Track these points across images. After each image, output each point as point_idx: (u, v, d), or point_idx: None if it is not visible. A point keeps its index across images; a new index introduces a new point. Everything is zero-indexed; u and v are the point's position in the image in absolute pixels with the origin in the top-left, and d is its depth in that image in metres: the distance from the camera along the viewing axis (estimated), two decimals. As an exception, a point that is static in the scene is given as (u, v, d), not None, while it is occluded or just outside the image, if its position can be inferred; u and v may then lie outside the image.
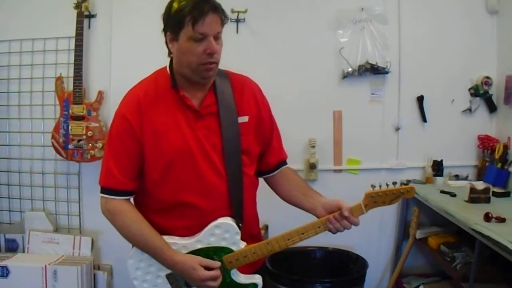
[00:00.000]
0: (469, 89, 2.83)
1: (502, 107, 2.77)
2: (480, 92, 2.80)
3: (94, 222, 2.83)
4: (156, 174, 1.42)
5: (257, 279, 1.48)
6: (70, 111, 2.64)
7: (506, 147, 2.64)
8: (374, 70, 2.77)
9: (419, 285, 2.71)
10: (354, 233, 2.78)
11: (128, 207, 1.46)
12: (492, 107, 2.82)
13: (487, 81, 2.77)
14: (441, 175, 2.78)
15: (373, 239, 2.90)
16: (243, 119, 1.47)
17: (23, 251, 2.75)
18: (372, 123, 2.84)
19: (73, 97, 2.63)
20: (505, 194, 2.47)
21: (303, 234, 1.40)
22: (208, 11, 1.32)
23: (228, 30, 2.73)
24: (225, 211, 1.43)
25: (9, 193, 2.84)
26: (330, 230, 1.43)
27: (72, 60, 2.64)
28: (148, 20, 2.74)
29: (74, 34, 2.62)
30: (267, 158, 1.58)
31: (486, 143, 2.77)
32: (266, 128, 1.55)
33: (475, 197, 2.31)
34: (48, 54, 2.74)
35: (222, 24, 1.37)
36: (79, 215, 2.82)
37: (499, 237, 1.80)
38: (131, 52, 2.76)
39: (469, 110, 2.84)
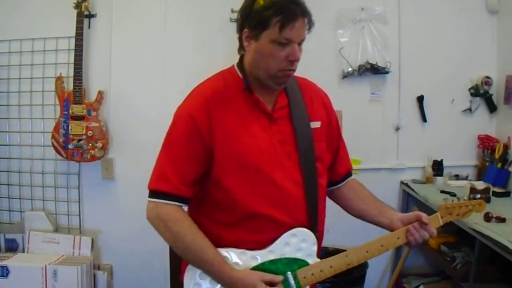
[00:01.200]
0: (469, 89, 2.83)
1: (502, 107, 2.77)
2: (480, 92, 2.80)
3: (94, 222, 2.83)
4: (228, 181, 1.28)
5: None
6: (70, 111, 2.64)
7: (506, 147, 2.64)
8: (374, 70, 2.77)
9: (419, 285, 2.71)
10: (354, 233, 2.78)
11: (183, 215, 1.31)
12: (492, 107, 2.82)
13: (487, 81, 2.77)
14: (441, 175, 2.78)
15: (373, 239, 2.89)
16: (316, 124, 1.38)
17: (23, 251, 2.75)
18: (372, 123, 2.84)
19: (73, 97, 2.63)
20: (505, 194, 2.47)
21: (382, 246, 1.34)
22: (299, 15, 1.22)
23: (228, 30, 2.76)
24: (301, 222, 1.32)
25: (9, 193, 2.84)
26: (408, 242, 1.36)
27: (72, 60, 2.63)
28: (148, 20, 2.76)
29: (74, 34, 2.62)
30: (336, 167, 1.50)
31: (486, 143, 2.77)
32: (335, 135, 1.48)
33: (475, 197, 2.30)
34: (48, 54, 2.74)
35: (309, 30, 1.28)
36: (79, 215, 2.82)
37: (499, 237, 1.80)
38: (131, 52, 2.76)
39: (469, 110, 2.84)
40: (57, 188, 2.82)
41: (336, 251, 2.84)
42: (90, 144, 2.65)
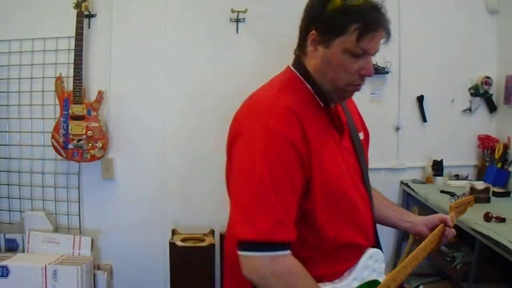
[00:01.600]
0: (469, 89, 2.83)
1: (502, 107, 2.77)
2: (480, 92, 2.80)
3: (94, 222, 2.83)
4: (318, 214, 1.10)
5: None
6: (70, 111, 2.64)
7: (506, 147, 2.64)
8: (374, 70, 2.77)
9: (419, 285, 2.71)
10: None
11: (299, 263, 1.07)
12: (492, 107, 2.82)
13: (487, 81, 2.78)
14: (441, 175, 2.78)
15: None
16: (361, 135, 1.30)
17: (23, 251, 2.74)
18: (372, 123, 2.78)
19: (73, 97, 2.63)
20: (505, 194, 2.47)
21: (424, 251, 1.32)
22: (381, 25, 1.07)
23: (228, 30, 2.76)
24: (372, 243, 1.26)
25: (9, 193, 2.83)
26: (441, 242, 1.39)
27: (72, 60, 2.63)
28: (148, 20, 2.76)
29: (74, 34, 2.61)
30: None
31: (486, 143, 2.77)
32: (368, 146, 1.40)
33: (475, 197, 2.30)
34: (48, 54, 2.74)
35: (386, 42, 1.12)
36: (79, 215, 2.82)
37: (499, 237, 1.80)
38: (131, 52, 2.76)
39: (469, 110, 2.85)
40: (57, 188, 2.81)
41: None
42: (90, 144, 2.65)
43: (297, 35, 1.18)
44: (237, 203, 1.08)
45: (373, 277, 1.25)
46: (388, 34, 1.10)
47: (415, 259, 1.26)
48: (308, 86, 1.16)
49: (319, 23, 1.09)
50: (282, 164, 1.03)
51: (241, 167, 1.08)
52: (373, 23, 1.06)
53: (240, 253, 1.04)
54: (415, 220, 1.41)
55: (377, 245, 1.27)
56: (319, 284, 1.10)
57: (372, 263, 1.24)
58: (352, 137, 1.24)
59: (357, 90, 1.15)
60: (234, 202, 1.09)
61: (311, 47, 1.13)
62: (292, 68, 1.21)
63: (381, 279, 1.24)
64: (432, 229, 1.38)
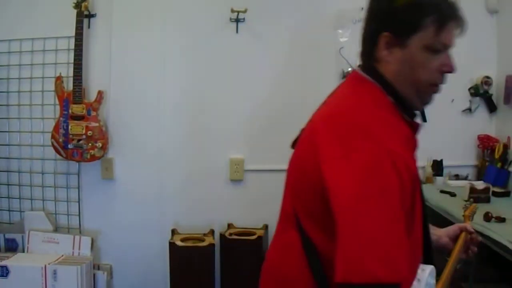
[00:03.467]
0: (469, 89, 2.83)
1: (502, 107, 2.77)
2: (480, 92, 2.80)
3: (93, 222, 2.83)
4: (417, 241, 1.01)
5: None
6: (70, 111, 2.64)
7: (506, 146, 2.64)
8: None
9: (419, 285, 2.71)
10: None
11: None
12: (492, 107, 2.82)
13: (487, 81, 2.78)
14: (441, 174, 2.78)
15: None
16: None
17: (23, 251, 2.75)
18: (372, 123, 2.84)
19: (73, 96, 2.63)
20: (505, 194, 2.47)
21: (454, 261, 1.32)
22: (457, 14, 0.99)
23: (228, 30, 2.76)
24: None
25: (9, 193, 2.84)
26: (467, 253, 1.37)
27: (71, 59, 2.63)
28: (148, 20, 2.76)
29: (73, 34, 2.62)
30: None
31: (486, 143, 2.77)
32: None
33: (475, 196, 2.30)
34: (47, 53, 2.74)
35: (459, 35, 1.04)
36: (79, 215, 2.82)
37: (499, 237, 1.80)
38: (131, 52, 2.76)
39: (469, 109, 2.85)
40: (57, 188, 2.82)
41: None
42: (90, 144, 2.65)
43: (361, 41, 1.07)
44: (366, 235, 0.85)
45: None
46: (463, 24, 1.01)
47: (450, 269, 1.25)
48: (390, 99, 1.03)
49: (390, 23, 0.99)
50: (402, 198, 0.89)
51: (365, 193, 0.87)
52: (449, 12, 0.98)
53: None
54: (440, 233, 1.35)
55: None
56: None
57: (430, 279, 1.14)
58: None
59: (438, 91, 1.07)
60: (357, 233, 0.85)
61: (385, 51, 1.01)
62: (367, 77, 1.04)
63: None
64: (454, 239, 1.34)
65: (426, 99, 1.08)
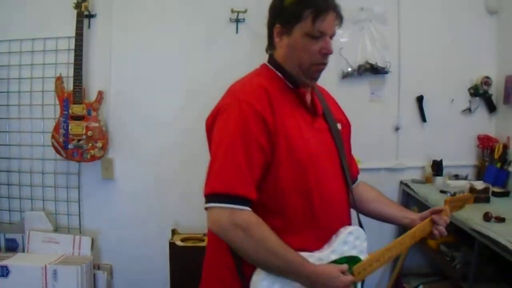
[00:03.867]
0: (469, 89, 2.83)
1: (502, 107, 2.77)
2: (480, 92, 2.80)
3: (94, 221, 2.83)
4: (285, 182, 1.21)
5: None
6: (70, 111, 2.64)
7: (505, 147, 2.64)
8: (373, 70, 2.77)
9: (418, 285, 2.71)
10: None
11: (260, 219, 1.17)
12: (491, 107, 2.82)
13: (486, 81, 2.78)
14: (441, 174, 2.78)
15: (372, 238, 2.88)
16: (339, 126, 1.41)
17: (23, 251, 2.75)
18: (372, 123, 2.85)
19: (73, 97, 2.63)
20: (505, 194, 2.47)
21: (412, 238, 1.41)
22: (331, 8, 1.25)
23: (228, 30, 2.76)
24: (347, 219, 1.35)
25: (9, 193, 2.84)
26: (433, 234, 1.45)
27: (72, 60, 2.63)
28: (148, 20, 2.77)
29: (74, 34, 2.62)
30: (350, 167, 1.50)
31: (485, 143, 2.78)
32: (349, 138, 1.53)
33: (475, 196, 2.31)
34: (48, 54, 2.74)
35: (339, 25, 1.30)
36: (79, 215, 2.82)
37: (498, 237, 1.80)
38: (131, 52, 2.76)
39: (469, 110, 2.85)
40: (57, 188, 2.82)
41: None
42: (90, 144, 2.65)
43: (266, 35, 1.35)
44: (211, 165, 1.20)
45: (353, 253, 1.31)
46: (340, 18, 1.28)
47: (401, 244, 1.37)
48: (279, 74, 1.32)
49: (280, 17, 1.27)
50: (250, 131, 1.17)
51: (218, 135, 1.22)
52: (324, 6, 1.22)
53: (205, 205, 1.16)
54: (414, 216, 1.48)
55: (359, 224, 1.38)
56: (301, 252, 1.20)
57: (352, 239, 1.31)
58: (328, 122, 1.35)
59: (322, 69, 1.30)
60: (209, 165, 1.21)
61: (277, 38, 1.30)
62: (266, 63, 1.38)
63: (363, 257, 1.32)
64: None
65: (312, 76, 1.30)
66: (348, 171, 1.37)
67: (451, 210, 1.54)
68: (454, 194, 1.61)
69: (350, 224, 1.36)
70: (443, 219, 1.45)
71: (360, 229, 1.35)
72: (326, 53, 1.27)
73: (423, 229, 1.44)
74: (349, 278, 1.22)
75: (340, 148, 1.35)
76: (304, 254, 1.21)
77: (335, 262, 1.25)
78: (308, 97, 1.34)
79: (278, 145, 1.19)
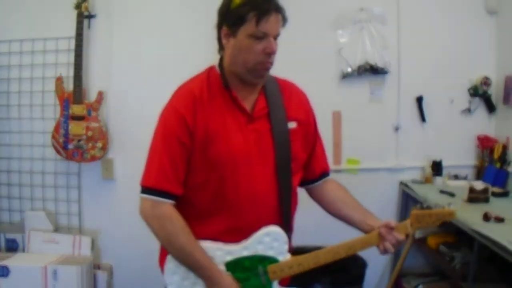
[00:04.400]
0: (468, 89, 2.84)
1: (501, 107, 2.77)
2: (479, 92, 2.80)
3: (94, 222, 2.84)
4: (200, 177, 1.35)
5: None
6: (70, 111, 2.65)
7: (505, 147, 2.64)
8: (373, 70, 2.78)
9: (418, 285, 2.71)
10: (354, 233, 2.78)
11: (177, 214, 1.34)
12: (491, 107, 2.82)
13: (486, 81, 2.78)
14: (440, 175, 2.78)
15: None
16: (292, 124, 1.44)
17: (23, 251, 2.75)
18: (372, 123, 2.85)
19: (73, 97, 2.63)
20: (504, 194, 2.47)
21: (349, 248, 1.40)
22: (273, 10, 1.31)
23: (228, 30, 2.76)
24: (273, 219, 1.38)
25: (9, 193, 2.84)
26: (379, 248, 1.42)
27: (72, 60, 2.64)
28: (148, 20, 2.77)
29: (74, 34, 2.62)
30: (312, 166, 1.54)
31: (485, 143, 2.78)
32: (312, 135, 1.53)
33: (474, 197, 2.31)
34: (48, 54, 2.74)
35: (283, 26, 1.38)
36: (79, 215, 2.83)
37: (498, 237, 1.80)
38: (131, 52, 2.76)
39: (468, 110, 2.85)
40: (57, 188, 2.82)
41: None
42: (90, 144, 2.65)
43: (216, 37, 1.43)
44: (146, 162, 1.40)
45: (270, 254, 1.35)
46: (283, 19, 1.36)
47: (334, 253, 1.38)
48: (218, 75, 1.42)
49: (227, 20, 1.34)
50: (174, 133, 1.33)
51: (153, 136, 1.41)
52: (266, 9, 1.29)
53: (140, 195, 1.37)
54: (376, 224, 1.44)
55: (286, 227, 1.38)
56: (210, 242, 1.34)
57: (269, 240, 1.35)
58: (272, 123, 1.39)
59: (268, 67, 1.36)
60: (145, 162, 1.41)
61: (224, 40, 1.38)
62: (215, 64, 1.46)
63: (281, 258, 1.36)
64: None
65: (258, 74, 1.36)
66: (287, 172, 1.39)
67: (417, 225, 1.41)
68: (428, 207, 1.45)
69: (280, 221, 1.38)
70: (393, 236, 1.39)
71: (281, 232, 1.36)
72: (269, 52, 1.33)
73: (367, 241, 1.41)
74: None
75: (279, 150, 1.38)
76: (215, 244, 1.34)
77: (247, 258, 1.34)
78: (252, 97, 1.40)
79: (196, 142, 1.33)
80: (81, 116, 2.65)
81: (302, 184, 1.55)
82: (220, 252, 1.34)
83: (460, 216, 2.12)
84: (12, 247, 2.82)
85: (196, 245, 1.32)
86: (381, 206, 2.84)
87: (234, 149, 1.34)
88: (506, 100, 2.70)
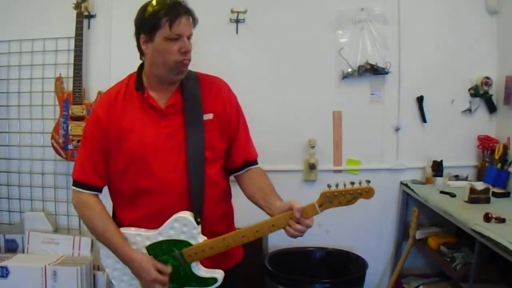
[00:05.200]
0: (469, 90, 2.83)
1: (502, 107, 2.77)
2: (480, 93, 2.80)
3: (93, 222, 2.83)
4: (120, 166, 1.50)
5: (218, 273, 1.50)
6: (70, 112, 2.64)
7: (505, 147, 2.64)
8: (373, 71, 2.77)
9: (419, 286, 2.71)
10: (354, 234, 2.78)
11: (95, 202, 1.54)
12: (492, 108, 2.82)
13: (487, 81, 2.77)
14: (441, 175, 2.78)
15: (372, 239, 2.90)
16: (208, 116, 1.53)
17: (23, 252, 2.75)
18: (372, 123, 2.84)
19: (73, 97, 2.63)
20: (505, 195, 2.47)
21: (257, 231, 1.41)
22: (183, 13, 1.44)
23: (228, 30, 2.76)
24: (184, 206, 1.47)
25: (9, 194, 2.84)
26: (286, 232, 1.39)
27: (71, 60, 2.64)
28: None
29: (73, 34, 2.62)
30: (233, 156, 1.61)
31: (486, 144, 2.77)
32: (231, 125, 1.59)
33: (475, 197, 2.31)
34: (47, 54, 2.74)
35: (193, 26, 1.49)
36: (79, 216, 2.82)
37: (498, 238, 1.80)
38: (130, 52, 2.72)
39: (469, 110, 2.85)
40: (57, 188, 2.82)
41: (336, 251, 2.85)
42: (89, 145, 2.64)
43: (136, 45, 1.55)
44: None
45: (182, 238, 1.46)
46: (194, 20, 1.48)
47: (242, 237, 1.43)
48: (133, 81, 1.57)
49: (143, 27, 1.49)
50: (91, 131, 1.52)
51: None
52: (177, 13, 1.42)
53: None
54: (274, 207, 1.45)
55: (197, 213, 1.46)
56: (131, 229, 1.49)
57: (179, 226, 1.45)
58: (185, 117, 1.50)
59: (186, 64, 1.48)
60: None
61: (143, 46, 1.50)
62: (136, 70, 1.60)
63: (194, 242, 1.45)
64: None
65: (178, 71, 1.48)
66: (199, 161, 1.49)
67: (328, 205, 1.35)
68: (352, 184, 1.35)
69: (191, 208, 1.47)
70: (299, 221, 1.36)
71: (188, 218, 1.45)
72: (185, 51, 1.45)
73: (274, 223, 1.39)
74: (159, 277, 1.44)
75: (191, 141, 1.49)
76: (136, 230, 1.49)
77: (163, 242, 1.46)
78: (168, 95, 1.53)
79: (110, 138, 1.49)
80: (80, 116, 2.64)
81: (229, 174, 1.64)
82: (140, 238, 1.49)
83: (461, 217, 2.12)
84: (11, 247, 2.82)
85: (110, 228, 1.49)
86: (381, 206, 2.84)
87: (146, 143, 1.48)
88: (506, 100, 2.69)
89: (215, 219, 1.56)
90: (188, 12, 1.46)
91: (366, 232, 2.83)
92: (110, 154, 1.50)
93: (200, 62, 2.75)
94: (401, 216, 2.87)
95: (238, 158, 1.61)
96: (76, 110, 2.64)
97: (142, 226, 1.50)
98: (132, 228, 1.50)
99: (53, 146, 2.67)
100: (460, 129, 2.85)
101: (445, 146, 2.84)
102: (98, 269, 2.77)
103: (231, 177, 1.65)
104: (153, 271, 1.45)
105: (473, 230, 1.96)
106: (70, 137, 2.64)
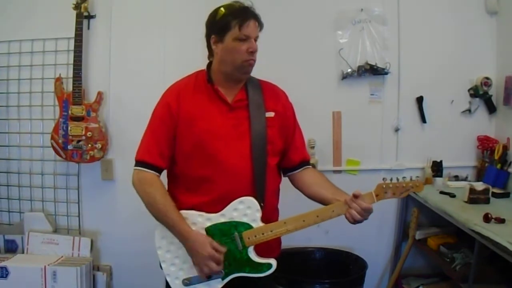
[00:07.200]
0: (469, 90, 2.83)
1: (502, 107, 2.77)
2: (480, 93, 2.80)
3: (93, 223, 2.83)
4: (187, 148, 1.62)
5: (273, 260, 1.58)
6: (70, 112, 2.64)
7: (505, 147, 2.64)
8: (373, 71, 2.77)
9: (418, 286, 2.71)
10: (354, 234, 2.78)
11: (157, 180, 1.63)
12: (491, 108, 2.82)
13: (486, 82, 2.77)
14: (441, 175, 2.78)
15: (372, 240, 2.90)
16: (270, 114, 1.68)
17: (23, 252, 2.75)
18: (372, 124, 2.84)
19: (73, 97, 2.63)
20: (505, 195, 2.47)
21: (317, 216, 1.52)
22: (251, 17, 1.61)
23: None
24: (248, 192, 1.58)
25: (9, 194, 2.84)
26: (346, 217, 1.55)
27: (71, 60, 2.63)
28: (147, 21, 2.76)
29: (73, 35, 2.62)
30: (290, 155, 1.75)
31: (485, 144, 2.77)
32: (289, 126, 1.75)
33: (475, 197, 2.31)
34: (47, 54, 2.74)
35: (260, 29, 1.66)
36: (79, 216, 2.82)
37: (498, 238, 1.80)
38: (130, 52, 2.76)
39: (469, 110, 2.85)
40: (57, 189, 2.82)
41: (336, 252, 2.85)
42: (89, 145, 2.65)
43: (206, 45, 1.71)
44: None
45: (244, 220, 1.55)
46: (260, 24, 1.65)
47: (303, 221, 1.54)
48: (205, 76, 1.70)
49: (214, 29, 1.65)
50: (159, 116, 1.66)
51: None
52: (246, 16, 1.59)
53: None
54: (342, 198, 1.59)
55: (259, 199, 1.58)
56: (193, 211, 1.59)
57: (243, 208, 1.55)
58: (250, 111, 1.65)
59: (251, 64, 1.63)
60: None
61: (214, 46, 1.66)
62: (205, 68, 1.75)
63: (255, 225, 1.54)
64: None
65: (244, 70, 1.65)
66: (262, 151, 1.63)
67: (382, 196, 1.56)
68: (396, 180, 1.58)
69: (254, 193, 1.58)
70: (357, 203, 1.53)
71: (253, 200, 1.56)
72: (252, 51, 1.60)
73: (334, 209, 1.54)
74: (215, 253, 1.51)
75: (255, 133, 1.63)
76: (197, 212, 1.58)
77: (223, 223, 1.55)
78: (234, 92, 1.68)
79: (179, 122, 1.62)
80: (80, 116, 2.64)
81: (284, 173, 1.78)
82: (201, 219, 1.56)
83: (460, 217, 2.12)
84: (11, 248, 2.82)
85: (170, 205, 1.58)
86: (381, 207, 2.82)
87: (213, 129, 1.61)
88: (506, 100, 2.69)
89: (272, 208, 1.70)
90: (256, 17, 1.63)
91: (366, 233, 2.82)
92: (177, 138, 1.63)
93: (200, 62, 2.77)
94: (400, 216, 2.87)
95: (296, 156, 1.75)
96: (76, 110, 2.64)
97: (202, 209, 1.59)
98: (193, 210, 1.58)
99: (52, 146, 2.67)
100: (459, 129, 2.85)
101: (445, 147, 2.84)
102: (98, 270, 2.78)
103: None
104: (209, 246, 1.51)
105: (473, 231, 1.97)
106: (70, 137, 2.64)
